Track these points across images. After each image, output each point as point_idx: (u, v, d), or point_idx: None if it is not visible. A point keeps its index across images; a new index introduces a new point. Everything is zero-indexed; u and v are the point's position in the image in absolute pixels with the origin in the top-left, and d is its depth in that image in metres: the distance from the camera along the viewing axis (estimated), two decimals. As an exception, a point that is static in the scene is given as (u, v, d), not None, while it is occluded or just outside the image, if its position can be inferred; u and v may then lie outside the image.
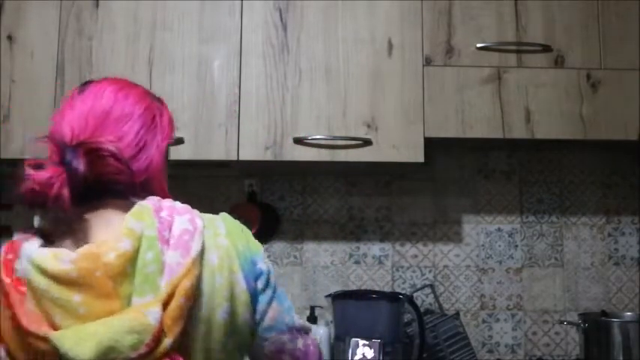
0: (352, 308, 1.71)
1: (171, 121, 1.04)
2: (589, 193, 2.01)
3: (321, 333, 1.80)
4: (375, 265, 1.97)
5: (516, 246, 1.99)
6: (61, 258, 0.75)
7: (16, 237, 0.82)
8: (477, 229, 1.99)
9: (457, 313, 1.86)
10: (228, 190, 1.98)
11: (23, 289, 0.74)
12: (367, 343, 1.64)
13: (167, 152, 1.00)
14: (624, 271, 1.99)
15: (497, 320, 1.96)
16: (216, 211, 2.13)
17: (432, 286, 1.91)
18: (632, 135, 1.68)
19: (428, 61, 1.69)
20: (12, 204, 1.90)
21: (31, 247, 0.77)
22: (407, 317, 1.74)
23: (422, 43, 1.69)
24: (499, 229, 1.99)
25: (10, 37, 1.67)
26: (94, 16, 1.68)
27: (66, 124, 0.89)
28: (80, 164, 0.80)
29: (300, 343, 0.90)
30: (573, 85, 1.69)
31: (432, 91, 1.68)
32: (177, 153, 1.63)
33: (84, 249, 0.76)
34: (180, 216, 0.83)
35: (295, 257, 1.97)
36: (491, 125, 1.68)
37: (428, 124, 1.67)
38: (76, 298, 0.73)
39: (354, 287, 1.96)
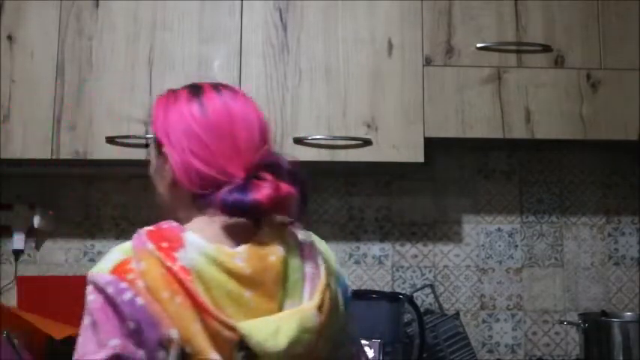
0: (352, 308, 1.71)
1: None
2: (589, 193, 2.01)
3: (321, 333, 1.79)
4: (375, 265, 1.97)
5: (516, 246, 1.99)
6: (230, 253, 0.80)
7: (160, 225, 0.85)
8: (477, 229, 1.99)
9: (457, 313, 1.86)
10: (228, 190, 1.97)
11: (189, 277, 0.76)
12: (367, 343, 1.64)
13: None
14: (624, 271, 1.99)
15: (497, 320, 1.96)
16: (216, 211, 2.11)
17: (432, 286, 1.91)
18: (632, 135, 1.68)
19: (428, 61, 1.69)
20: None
21: (197, 239, 0.81)
22: (407, 317, 1.74)
23: (422, 43, 1.69)
24: (499, 229, 1.99)
25: (10, 37, 1.67)
26: (94, 16, 1.68)
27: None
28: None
29: (365, 354, 1.03)
30: (573, 85, 1.69)
31: (432, 91, 1.68)
32: (177, 153, 1.62)
33: (249, 248, 0.82)
34: (298, 231, 0.92)
35: (295, 257, 1.96)
36: (491, 125, 1.68)
37: (428, 124, 1.67)
38: (247, 293, 0.79)
39: (354, 287, 1.95)
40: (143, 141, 1.62)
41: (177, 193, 0.90)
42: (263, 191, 0.81)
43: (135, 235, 0.84)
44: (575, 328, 1.90)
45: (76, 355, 0.77)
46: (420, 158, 1.66)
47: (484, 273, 1.98)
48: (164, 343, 0.75)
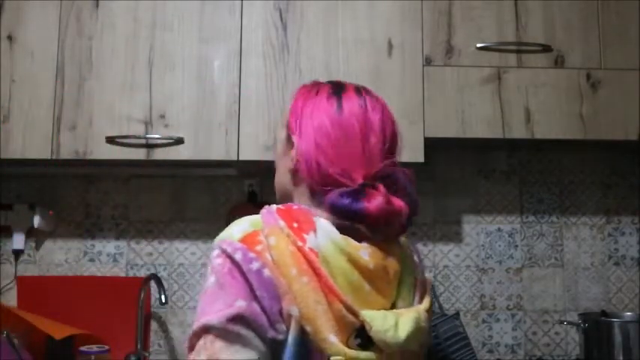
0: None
1: None
2: (589, 193, 2.01)
3: (321, 333, 1.79)
4: (375, 265, 1.97)
5: (516, 246, 1.99)
6: (356, 246, 0.82)
7: (290, 205, 0.87)
8: (477, 229, 1.99)
9: (457, 313, 1.86)
10: (228, 190, 1.98)
11: (318, 260, 0.79)
12: (367, 343, 1.64)
13: None
14: (624, 271, 1.99)
15: (498, 320, 1.96)
16: (216, 211, 2.13)
17: (432, 286, 1.91)
18: (632, 135, 1.68)
19: (428, 61, 1.69)
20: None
21: (328, 225, 0.83)
22: (407, 317, 1.73)
23: (422, 43, 1.69)
24: (499, 229, 1.99)
25: (10, 37, 1.67)
26: (94, 16, 1.68)
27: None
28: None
29: None
30: (573, 85, 1.69)
31: (432, 91, 1.68)
32: (177, 153, 1.63)
33: (371, 244, 0.84)
34: None
35: (295, 257, 1.96)
36: (491, 125, 1.68)
37: (428, 124, 1.67)
38: (366, 286, 0.81)
39: (354, 287, 1.95)
40: (143, 141, 1.62)
41: (297, 182, 0.93)
42: (374, 202, 0.82)
43: (264, 211, 0.86)
44: (575, 328, 1.90)
45: (200, 313, 0.78)
46: (420, 158, 1.66)
47: (484, 273, 1.98)
48: (285, 318, 0.77)
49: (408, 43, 1.69)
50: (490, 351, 1.95)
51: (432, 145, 1.76)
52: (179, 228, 1.96)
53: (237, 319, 0.76)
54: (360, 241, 0.85)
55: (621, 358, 1.67)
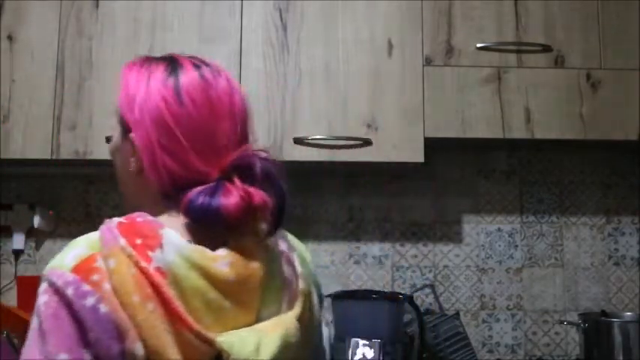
0: (352, 308, 1.71)
1: None
2: (589, 193, 2.01)
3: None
4: (375, 265, 1.97)
5: (516, 246, 1.99)
6: (212, 257, 0.71)
7: (134, 217, 0.73)
8: (477, 229, 1.99)
9: (457, 313, 1.86)
10: (228, 190, 1.98)
11: (165, 281, 0.67)
12: (367, 343, 1.64)
13: None
14: (624, 271, 1.99)
15: (498, 320, 1.96)
16: (216, 211, 2.10)
17: (432, 286, 1.91)
18: (632, 135, 1.68)
19: (428, 61, 1.69)
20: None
21: (177, 238, 0.70)
22: (407, 317, 1.74)
23: (422, 43, 1.69)
24: (499, 229, 1.99)
25: (10, 37, 1.67)
26: (94, 16, 1.68)
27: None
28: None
29: None
30: (573, 85, 1.69)
31: (432, 91, 1.68)
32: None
33: (233, 250, 0.72)
34: None
35: (295, 257, 1.96)
36: (491, 125, 1.68)
37: (428, 124, 1.67)
38: (227, 303, 0.70)
39: (354, 287, 1.96)
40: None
41: (142, 181, 0.78)
42: (231, 198, 0.71)
43: (103, 227, 0.71)
44: (575, 328, 1.90)
45: None
46: (420, 158, 1.66)
47: (484, 273, 1.98)
48: (129, 357, 0.65)
49: (408, 43, 1.69)
50: (490, 351, 1.95)
51: (432, 145, 1.76)
52: (179, 228, 1.95)
53: None
54: (222, 246, 0.73)
55: (621, 358, 1.67)
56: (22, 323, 1.69)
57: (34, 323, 0.67)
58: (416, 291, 1.88)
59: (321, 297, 0.89)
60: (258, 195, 0.73)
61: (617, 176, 2.02)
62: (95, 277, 0.66)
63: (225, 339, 0.68)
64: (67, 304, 0.65)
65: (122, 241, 0.68)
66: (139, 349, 0.65)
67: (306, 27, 1.69)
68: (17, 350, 1.61)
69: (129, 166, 0.79)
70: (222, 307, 0.69)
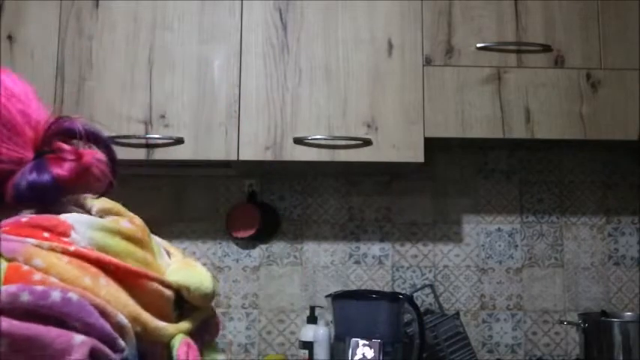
0: (352, 308, 1.71)
1: None
2: (589, 193, 2.01)
3: (321, 333, 1.80)
4: (375, 265, 1.97)
5: (516, 246, 1.99)
6: (115, 219, 0.68)
7: (18, 220, 0.64)
8: (477, 229, 1.99)
9: (457, 313, 1.86)
10: (228, 190, 1.98)
11: (99, 254, 0.62)
12: (367, 343, 1.64)
13: None
14: (624, 271, 1.99)
15: (498, 320, 1.96)
16: (216, 211, 2.13)
17: (432, 286, 1.91)
18: (632, 135, 1.68)
19: (428, 61, 1.69)
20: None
21: (82, 216, 0.66)
22: (407, 317, 1.74)
23: (422, 43, 1.69)
24: (499, 229, 1.99)
25: (10, 37, 1.67)
26: (94, 16, 1.68)
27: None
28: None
29: None
30: (573, 85, 1.69)
31: (432, 91, 1.68)
32: (177, 153, 1.63)
33: (112, 217, 0.69)
34: None
35: (295, 257, 1.97)
36: (491, 125, 1.68)
37: (428, 124, 1.67)
38: (148, 256, 0.68)
39: (354, 287, 1.96)
40: (143, 141, 1.62)
41: None
42: (65, 165, 0.66)
43: None
44: (575, 328, 1.90)
45: None
46: (420, 158, 1.66)
47: (484, 273, 1.98)
48: (118, 332, 0.60)
49: (408, 43, 1.69)
50: (490, 351, 1.95)
51: (432, 145, 1.76)
52: (179, 228, 1.96)
53: (92, 357, 0.56)
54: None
55: (621, 358, 1.67)
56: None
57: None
58: (416, 291, 1.88)
59: None
60: (88, 153, 0.69)
61: (617, 176, 2.02)
62: (36, 276, 0.57)
63: (177, 278, 0.68)
64: (32, 312, 0.54)
65: (30, 241, 0.60)
66: (122, 319, 0.60)
67: (306, 27, 1.69)
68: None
69: None
70: (145, 258, 0.67)
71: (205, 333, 0.72)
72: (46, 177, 0.65)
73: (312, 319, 1.85)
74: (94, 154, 0.70)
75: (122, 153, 1.62)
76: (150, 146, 1.63)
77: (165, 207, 1.97)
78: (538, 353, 1.95)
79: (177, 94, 1.65)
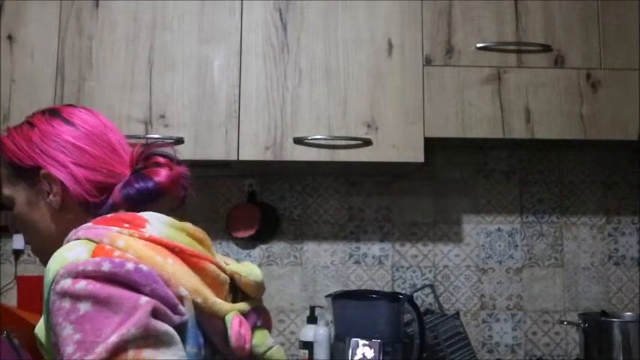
0: (352, 308, 1.71)
1: None
2: (589, 193, 2.01)
3: (321, 333, 1.80)
4: (375, 265, 1.97)
5: (516, 246, 1.99)
6: (183, 222, 0.85)
7: (105, 217, 0.82)
8: (477, 229, 1.99)
9: (457, 313, 1.86)
10: (228, 190, 1.98)
11: (168, 241, 0.79)
12: (367, 343, 1.64)
13: None
14: (624, 271, 1.99)
15: (498, 320, 1.96)
16: (216, 211, 2.13)
17: (432, 286, 1.91)
18: (632, 135, 1.68)
19: (428, 61, 1.69)
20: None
21: (156, 213, 0.83)
22: (407, 317, 1.74)
23: (422, 43, 1.69)
24: (499, 229, 1.99)
25: (10, 37, 1.67)
26: (94, 16, 1.68)
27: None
28: None
29: None
30: (573, 85, 1.69)
31: (432, 91, 1.68)
32: (177, 153, 1.62)
33: (187, 222, 0.87)
34: None
35: (295, 257, 1.97)
36: (491, 125, 1.68)
37: (428, 124, 1.67)
38: (202, 249, 0.84)
39: (354, 287, 1.96)
40: (143, 141, 1.62)
41: (67, 214, 0.86)
42: (162, 173, 0.86)
43: (82, 232, 0.78)
44: (575, 328, 1.90)
45: (87, 342, 0.66)
46: (420, 158, 1.66)
47: (484, 273, 1.98)
48: (179, 300, 0.74)
49: (408, 43, 1.69)
50: (490, 351, 1.95)
51: (432, 145, 1.76)
52: (179, 228, 1.96)
53: (154, 315, 0.69)
54: None
55: (621, 358, 1.67)
56: (22, 323, 1.69)
57: (80, 309, 0.67)
58: (416, 291, 1.88)
59: None
60: (177, 166, 0.90)
61: (617, 176, 2.02)
62: (117, 252, 0.73)
63: (231, 266, 0.84)
64: (110, 278, 0.69)
65: (114, 229, 0.77)
66: (183, 290, 0.74)
67: (306, 27, 1.69)
68: (17, 350, 1.60)
69: (50, 206, 0.86)
70: (206, 253, 0.83)
71: (258, 318, 0.85)
72: (150, 183, 0.85)
73: (312, 319, 1.85)
74: (181, 168, 0.91)
75: (122, 153, 1.62)
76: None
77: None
78: (538, 353, 1.95)
79: (177, 94, 1.65)
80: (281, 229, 1.98)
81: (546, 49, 1.70)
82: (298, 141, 1.64)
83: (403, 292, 1.92)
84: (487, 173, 2.01)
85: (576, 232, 1.99)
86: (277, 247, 1.97)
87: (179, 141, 1.62)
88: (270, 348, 0.84)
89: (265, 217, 1.92)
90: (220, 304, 0.78)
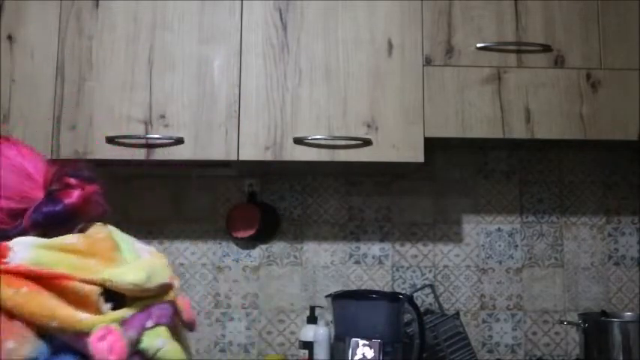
0: (352, 308, 1.71)
1: None
2: (589, 193, 2.01)
3: (321, 333, 1.80)
4: (375, 265, 1.97)
5: (516, 246, 1.99)
6: (59, 239, 0.81)
7: None
8: (477, 229, 1.99)
9: (457, 313, 1.86)
10: (228, 190, 1.98)
11: (24, 267, 0.77)
12: (367, 343, 1.64)
13: None
14: (624, 271, 1.99)
15: (498, 320, 1.96)
16: (216, 211, 2.13)
17: (432, 286, 1.91)
18: (632, 135, 1.68)
19: (428, 61, 1.69)
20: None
21: (23, 239, 0.80)
22: (407, 317, 1.74)
23: (422, 43, 1.69)
24: (499, 229, 1.99)
25: (10, 37, 1.67)
26: (94, 16, 1.68)
27: None
28: None
29: None
30: (573, 85, 1.69)
31: (432, 91, 1.68)
32: (177, 153, 1.63)
33: (74, 234, 0.84)
34: None
35: (295, 257, 1.97)
36: (491, 125, 1.68)
37: (428, 124, 1.67)
38: (92, 262, 0.80)
39: (354, 287, 1.96)
40: (143, 141, 1.62)
41: None
42: (73, 195, 0.86)
43: None
44: (575, 328, 1.90)
45: None
46: (420, 158, 1.66)
47: (484, 273, 1.98)
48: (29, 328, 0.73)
49: (408, 43, 1.69)
50: (490, 351, 1.95)
51: (432, 145, 1.76)
52: (179, 228, 1.96)
53: None
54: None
55: (621, 358, 1.67)
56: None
57: None
58: (416, 291, 1.88)
59: None
60: (89, 186, 0.89)
61: (617, 176, 2.02)
62: None
63: (103, 275, 0.79)
64: None
65: None
66: (9, 344, 0.72)
67: (306, 27, 1.69)
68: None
69: None
70: (84, 264, 0.80)
71: (148, 319, 0.81)
72: (59, 206, 0.84)
73: (312, 319, 1.85)
74: (94, 185, 0.90)
75: (122, 153, 1.62)
76: (150, 146, 1.63)
77: (166, 207, 1.97)
78: (538, 353, 1.95)
79: (177, 94, 1.65)
80: (281, 229, 1.98)
81: (546, 49, 1.70)
82: (298, 141, 1.64)
83: (403, 292, 1.92)
84: (487, 173, 2.01)
85: (576, 232, 1.99)
86: (277, 247, 1.97)
87: (179, 141, 1.62)
88: (158, 350, 0.80)
89: (265, 217, 1.92)
90: (83, 320, 0.75)
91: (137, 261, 0.86)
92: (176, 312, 0.86)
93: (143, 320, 0.81)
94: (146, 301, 0.82)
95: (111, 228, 0.93)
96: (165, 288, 0.85)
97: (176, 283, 0.88)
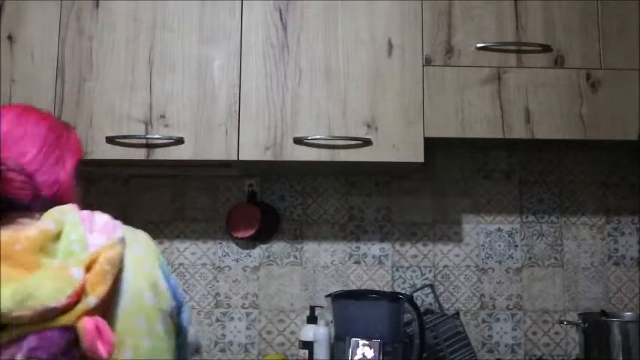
0: (352, 308, 1.71)
1: (77, 142, 1.02)
2: (589, 193, 2.01)
3: (321, 333, 1.80)
4: (375, 265, 1.97)
5: (516, 246, 1.99)
6: None
7: None
8: (477, 229, 1.99)
9: (457, 313, 1.86)
10: (228, 190, 1.98)
11: None
12: (367, 343, 1.64)
13: (75, 170, 1.00)
14: (624, 271, 1.99)
15: (497, 320, 1.96)
16: (216, 211, 2.13)
17: (432, 286, 1.91)
18: (632, 135, 1.68)
19: (428, 61, 1.69)
20: None
21: None
22: (407, 317, 1.74)
23: (422, 43, 1.69)
24: (499, 229, 1.99)
25: (10, 37, 1.67)
26: (94, 16, 1.68)
27: None
28: None
29: None
30: (573, 85, 1.69)
31: (432, 91, 1.68)
32: (177, 153, 1.63)
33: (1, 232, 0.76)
34: (101, 214, 0.90)
35: (295, 257, 1.97)
36: (491, 125, 1.68)
37: (428, 124, 1.67)
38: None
39: (354, 287, 1.96)
40: (143, 141, 1.63)
41: None
42: None
43: None
44: (575, 328, 1.91)
45: None
46: (420, 158, 1.66)
47: (484, 273, 1.98)
48: None
49: (408, 43, 1.69)
50: (490, 351, 1.95)
51: (431, 145, 1.76)
52: (179, 228, 1.96)
53: None
54: None
55: (621, 358, 1.67)
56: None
57: None
58: (416, 291, 1.88)
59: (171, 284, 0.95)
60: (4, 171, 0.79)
61: (617, 176, 2.02)
62: None
63: None
64: None
65: None
66: None
67: (306, 27, 1.69)
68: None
69: None
70: None
71: (19, 351, 0.70)
72: None
73: (312, 319, 1.85)
74: (9, 172, 0.81)
75: (122, 153, 1.62)
76: (150, 146, 1.63)
77: (166, 207, 1.97)
78: (538, 353, 1.95)
79: (177, 94, 1.65)
80: (281, 229, 1.98)
81: (546, 49, 1.70)
82: (298, 141, 1.64)
83: (403, 292, 1.92)
84: (487, 173, 2.01)
85: (576, 232, 1.99)
86: (277, 247, 1.97)
87: (179, 141, 1.62)
88: None
89: (265, 217, 1.92)
90: None
91: (26, 277, 0.73)
92: (76, 339, 0.73)
93: (13, 352, 0.69)
94: (23, 328, 0.70)
95: (70, 214, 0.85)
96: (55, 312, 0.71)
97: (91, 299, 0.75)
